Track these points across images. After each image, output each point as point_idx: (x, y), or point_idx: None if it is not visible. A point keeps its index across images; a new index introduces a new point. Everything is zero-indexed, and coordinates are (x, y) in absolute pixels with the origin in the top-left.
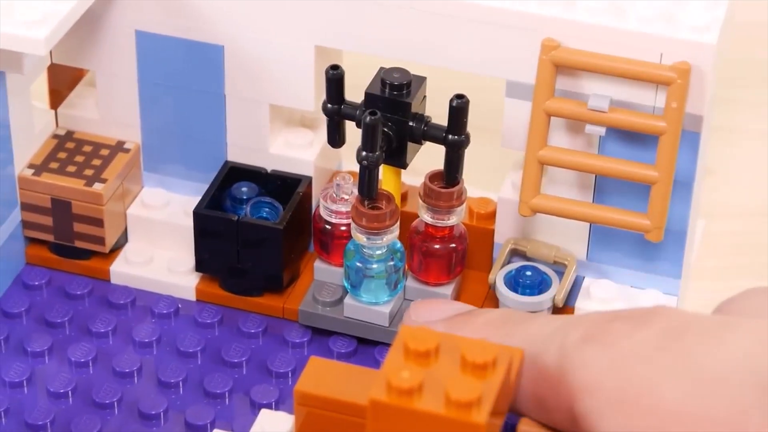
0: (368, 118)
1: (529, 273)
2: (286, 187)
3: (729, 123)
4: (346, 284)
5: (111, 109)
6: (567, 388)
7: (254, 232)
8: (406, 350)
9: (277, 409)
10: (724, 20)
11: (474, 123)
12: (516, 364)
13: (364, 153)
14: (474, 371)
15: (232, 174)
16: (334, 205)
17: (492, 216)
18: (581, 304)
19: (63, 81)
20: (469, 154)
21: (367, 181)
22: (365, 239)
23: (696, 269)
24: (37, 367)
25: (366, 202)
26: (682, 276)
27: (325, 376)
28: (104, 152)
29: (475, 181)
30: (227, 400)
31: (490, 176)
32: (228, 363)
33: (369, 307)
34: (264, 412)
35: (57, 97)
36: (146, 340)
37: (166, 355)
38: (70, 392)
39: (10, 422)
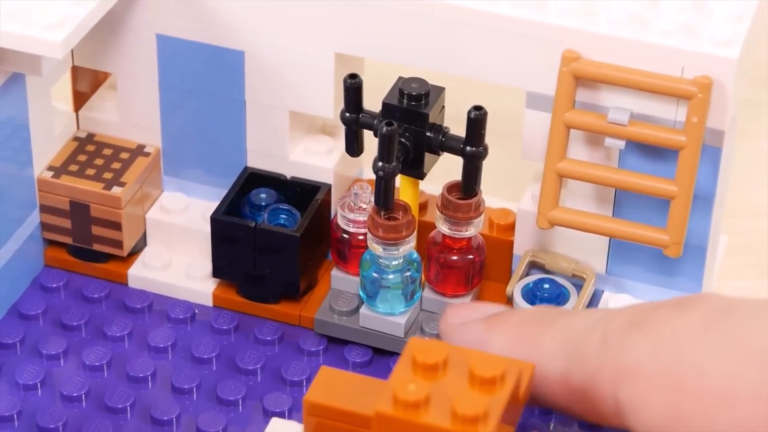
0: (385, 129)
1: (546, 286)
2: (305, 194)
3: None
4: (362, 294)
5: (131, 113)
6: (610, 375)
7: (271, 238)
8: (414, 363)
9: (289, 417)
10: (748, 34)
11: (498, 130)
12: (526, 377)
13: (380, 164)
14: (482, 385)
15: (252, 180)
16: (351, 214)
17: (511, 227)
18: None
19: (87, 83)
20: (490, 164)
21: (383, 192)
22: (381, 250)
23: None
24: (51, 370)
25: (382, 213)
26: (702, 291)
27: (335, 386)
28: (124, 156)
29: (496, 192)
30: (240, 407)
31: (512, 186)
32: (242, 370)
33: (384, 317)
34: (274, 420)
35: (81, 99)
36: (161, 345)
37: (180, 360)
38: (83, 396)
39: (22, 424)
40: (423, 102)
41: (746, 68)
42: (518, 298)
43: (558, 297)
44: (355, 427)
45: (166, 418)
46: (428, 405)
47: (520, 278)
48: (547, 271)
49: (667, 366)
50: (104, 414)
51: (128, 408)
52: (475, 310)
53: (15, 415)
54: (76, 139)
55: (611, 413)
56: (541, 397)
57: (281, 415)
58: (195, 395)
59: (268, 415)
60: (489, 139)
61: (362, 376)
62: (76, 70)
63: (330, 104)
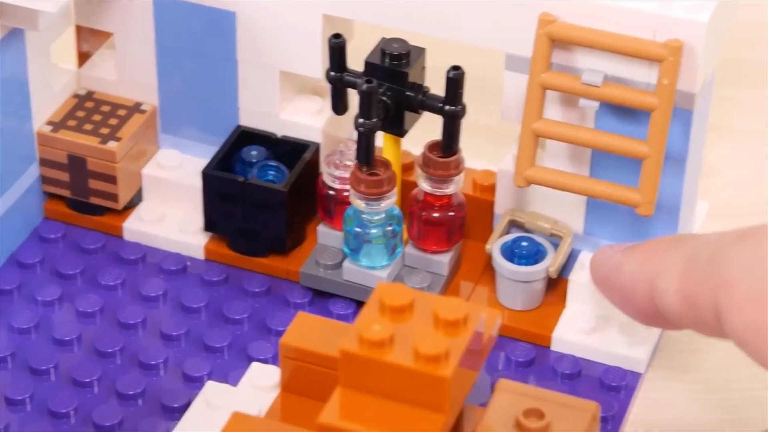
0: (365, 86)
1: (525, 243)
2: (294, 152)
3: (729, 123)
4: (345, 249)
5: (129, 71)
6: (713, 282)
7: (259, 194)
8: (381, 306)
9: (273, 364)
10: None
11: (489, 95)
12: (492, 322)
13: (360, 120)
14: (445, 328)
15: (243, 137)
16: (337, 171)
17: (493, 188)
18: (575, 277)
19: (91, 44)
20: (478, 126)
21: (364, 148)
22: (364, 205)
23: None
24: (45, 316)
25: (364, 169)
26: None
27: (310, 330)
28: (121, 112)
29: (482, 153)
30: (225, 354)
31: (499, 148)
32: (229, 320)
33: (367, 271)
34: (254, 365)
35: (85, 59)
36: (152, 295)
37: (170, 309)
38: (74, 340)
39: (15, 366)
40: (404, 61)
41: (720, 32)
42: (497, 256)
43: (536, 254)
44: (327, 369)
45: (153, 363)
46: (392, 344)
47: (500, 236)
48: (526, 230)
49: (761, 280)
50: (94, 357)
51: (117, 352)
52: (621, 245)
53: (8, 357)
54: (75, 96)
55: (713, 322)
56: (664, 312)
57: (264, 362)
58: (182, 342)
59: (251, 361)
60: (482, 102)
61: (337, 322)
62: (80, 31)
63: (318, 65)
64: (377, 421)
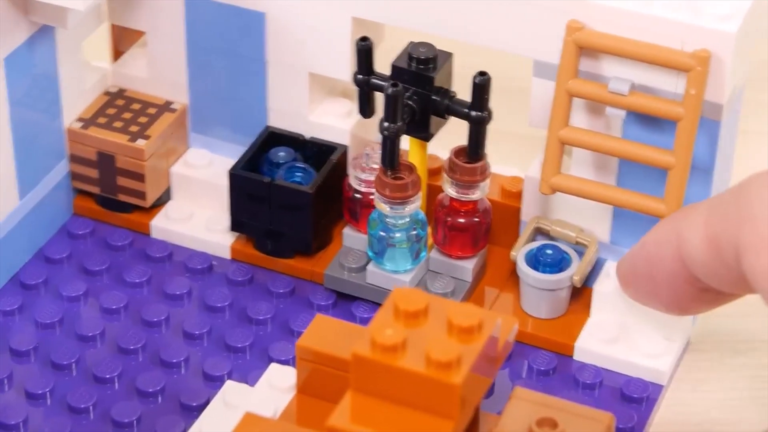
0: (390, 90)
1: (549, 251)
2: (322, 154)
3: None
4: (369, 253)
5: (160, 70)
6: (735, 219)
7: (286, 195)
8: (396, 310)
9: (293, 365)
10: (749, 10)
11: (517, 102)
12: (508, 329)
13: (385, 123)
14: (458, 334)
15: (271, 138)
16: (363, 174)
17: (520, 195)
18: (600, 286)
19: (126, 42)
20: (508, 132)
21: (389, 151)
22: (388, 209)
23: None
24: (69, 311)
25: (389, 173)
26: None
27: (328, 333)
28: (151, 111)
29: (513, 159)
30: (247, 354)
31: (530, 155)
32: (252, 320)
33: (390, 275)
34: (273, 366)
35: (120, 56)
36: (177, 293)
37: (194, 308)
38: (97, 336)
39: (38, 360)
40: (430, 66)
41: (749, 43)
42: (521, 263)
43: (560, 263)
44: (342, 372)
45: (174, 361)
46: (404, 350)
47: (525, 243)
48: (551, 238)
49: None
50: (116, 354)
51: (139, 349)
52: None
53: (31, 351)
54: (107, 93)
55: (734, 264)
56: (692, 265)
57: (285, 363)
58: (204, 341)
59: (272, 362)
60: (513, 108)
61: (355, 325)
62: (115, 29)
63: (347, 67)
64: (387, 425)
